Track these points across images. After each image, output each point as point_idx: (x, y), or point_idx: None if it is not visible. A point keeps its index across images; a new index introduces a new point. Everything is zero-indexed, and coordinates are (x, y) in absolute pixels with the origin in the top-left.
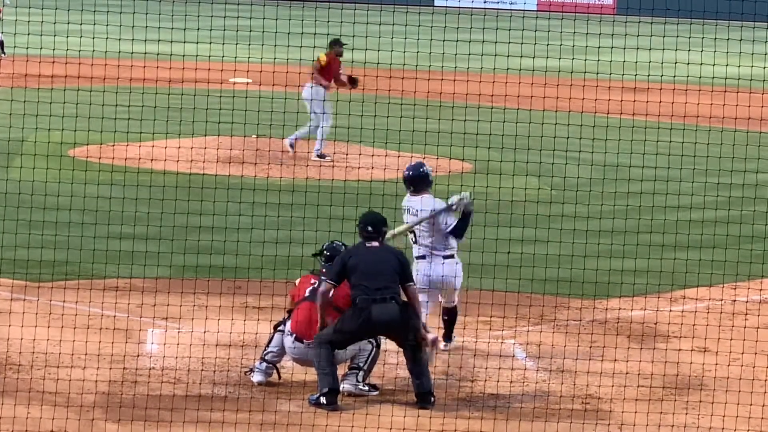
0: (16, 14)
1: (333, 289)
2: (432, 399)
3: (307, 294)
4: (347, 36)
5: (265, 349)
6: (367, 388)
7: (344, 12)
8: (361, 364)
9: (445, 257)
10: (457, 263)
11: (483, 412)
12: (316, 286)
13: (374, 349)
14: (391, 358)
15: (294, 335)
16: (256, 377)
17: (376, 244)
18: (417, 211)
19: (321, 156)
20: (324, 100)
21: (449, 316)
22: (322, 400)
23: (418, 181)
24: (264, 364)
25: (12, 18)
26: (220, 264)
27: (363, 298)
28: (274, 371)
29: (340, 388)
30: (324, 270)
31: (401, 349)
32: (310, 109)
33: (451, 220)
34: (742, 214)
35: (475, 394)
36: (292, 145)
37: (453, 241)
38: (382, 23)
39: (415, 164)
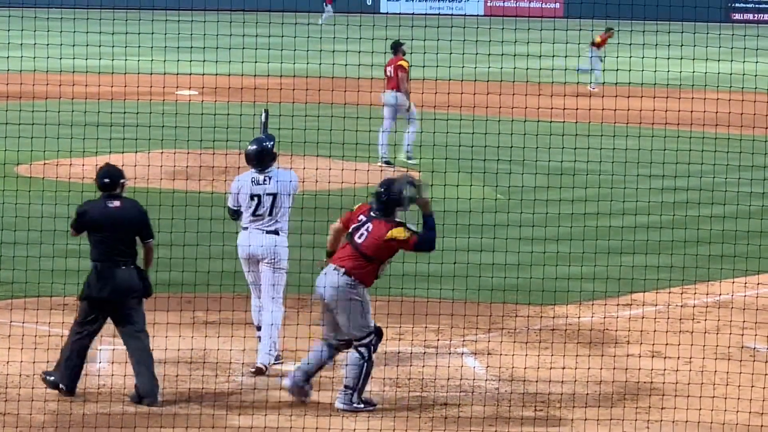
0: None
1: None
2: (152, 400)
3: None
4: (276, 49)
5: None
6: (362, 405)
7: (288, 24)
8: (351, 384)
9: (268, 231)
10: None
11: (433, 422)
12: (357, 226)
13: (365, 363)
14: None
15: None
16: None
17: (117, 203)
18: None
19: (388, 162)
20: (409, 105)
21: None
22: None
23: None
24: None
25: None
26: (167, 279)
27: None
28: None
29: (335, 405)
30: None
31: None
32: (390, 114)
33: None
34: (686, 218)
35: (426, 403)
36: (410, 157)
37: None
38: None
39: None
